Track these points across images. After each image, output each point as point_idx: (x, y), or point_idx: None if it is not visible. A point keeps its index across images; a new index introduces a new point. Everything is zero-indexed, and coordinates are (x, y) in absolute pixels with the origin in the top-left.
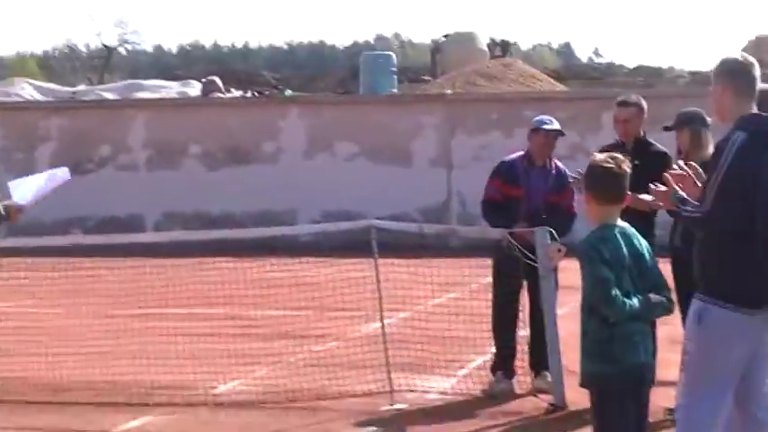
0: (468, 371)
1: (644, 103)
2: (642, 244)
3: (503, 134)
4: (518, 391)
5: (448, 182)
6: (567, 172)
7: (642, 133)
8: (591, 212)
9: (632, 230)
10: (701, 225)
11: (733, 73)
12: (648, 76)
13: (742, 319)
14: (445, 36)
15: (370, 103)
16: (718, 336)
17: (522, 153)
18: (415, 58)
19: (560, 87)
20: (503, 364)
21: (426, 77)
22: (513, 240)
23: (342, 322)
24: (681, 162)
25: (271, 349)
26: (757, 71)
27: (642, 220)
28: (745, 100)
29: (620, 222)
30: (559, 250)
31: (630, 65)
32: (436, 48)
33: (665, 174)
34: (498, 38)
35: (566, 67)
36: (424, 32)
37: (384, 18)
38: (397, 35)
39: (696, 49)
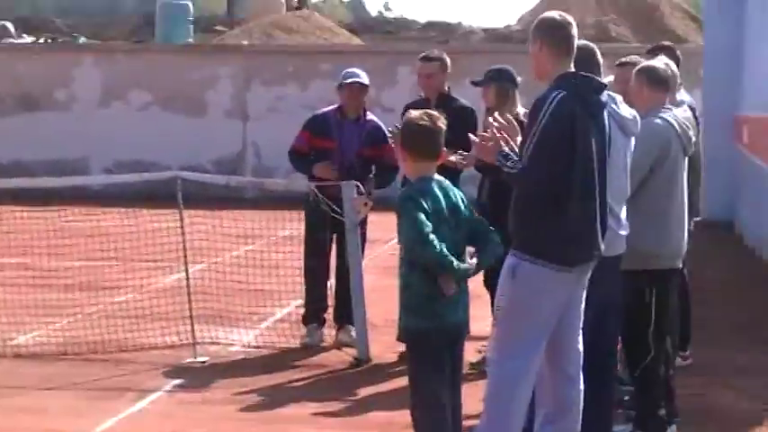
0: (271, 323)
1: (447, 59)
2: (457, 195)
3: (299, 86)
4: (323, 344)
5: (243, 133)
6: (383, 126)
7: (446, 89)
8: (407, 168)
9: (448, 183)
10: (518, 182)
11: (551, 31)
12: (441, 32)
13: (555, 276)
14: None
15: (166, 52)
16: (531, 291)
17: (335, 106)
18: (209, 8)
19: (357, 41)
20: (315, 315)
21: (220, 28)
22: (318, 194)
23: (144, 273)
24: (497, 115)
25: (70, 300)
26: (575, 29)
27: (448, 175)
28: (564, 59)
29: (436, 176)
30: (366, 204)
31: (421, 20)
32: None
33: (489, 128)
34: None
35: (359, 20)
36: None
37: None
38: None
39: (488, 6)
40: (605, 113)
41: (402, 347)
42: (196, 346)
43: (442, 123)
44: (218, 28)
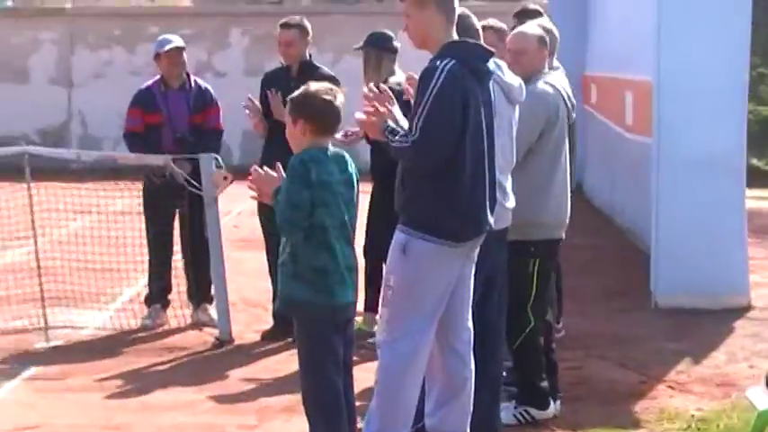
0: (120, 305)
1: (308, 25)
2: (354, 171)
3: (126, 50)
4: (178, 324)
5: (68, 101)
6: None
7: (308, 56)
8: (300, 140)
9: (346, 156)
10: (408, 155)
11: None
12: None
13: (447, 252)
14: None
15: None
16: (424, 268)
17: (157, 77)
18: None
19: (185, 2)
20: (159, 296)
21: None
22: (176, 168)
23: None
24: (371, 86)
25: None
26: None
27: None
28: (451, 27)
29: (332, 147)
30: (226, 177)
31: None
32: None
33: (369, 102)
34: None
35: None
36: None
37: None
38: None
39: None
40: (491, 81)
41: (264, 326)
42: (48, 331)
43: (342, 98)
44: None
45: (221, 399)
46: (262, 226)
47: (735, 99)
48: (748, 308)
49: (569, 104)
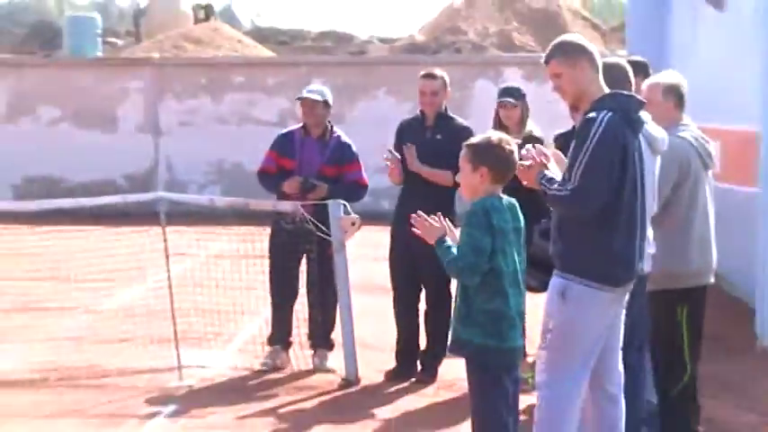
0: (240, 344)
1: (447, 77)
2: (522, 220)
3: (212, 99)
4: (298, 367)
5: (155, 147)
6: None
7: (444, 108)
8: (478, 188)
9: (516, 205)
10: (567, 203)
11: (590, 52)
12: (337, 41)
13: (604, 297)
14: None
15: (76, 66)
16: (582, 312)
17: (301, 125)
18: (115, 21)
19: (267, 52)
20: (281, 337)
21: (113, 40)
22: (305, 213)
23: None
24: (530, 147)
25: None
26: None
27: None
28: (599, 79)
29: (504, 196)
30: (353, 223)
31: (310, 29)
32: (139, 11)
33: (528, 153)
34: (203, 1)
35: (256, 30)
36: None
37: None
38: None
39: (372, 14)
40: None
41: (387, 366)
42: (181, 370)
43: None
44: (110, 40)
45: None
46: (392, 278)
47: None
48: None
49: (704, 154)
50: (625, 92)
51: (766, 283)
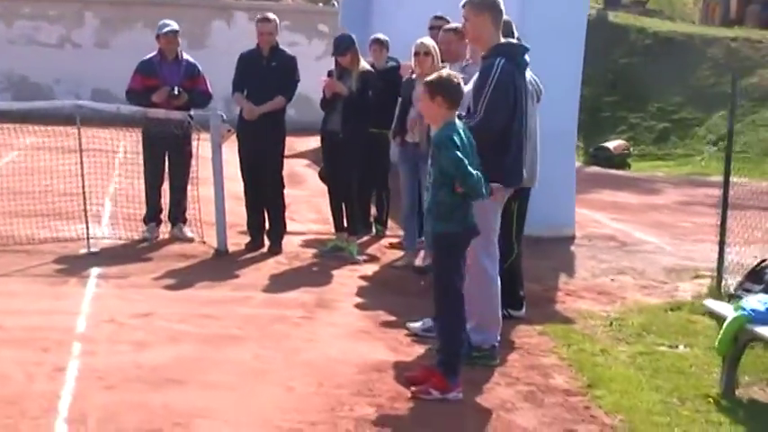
0: (108, 221)
1: (278, 20)
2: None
3: (4, 24)
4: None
5: None
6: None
7: (276, 43)
8: (439, 116)
9: (463, 126)
10: (475, 129)
11: (497, 8)
12: None
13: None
14: None
15: None
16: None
17: (156, 52)
18: None
19: None
20: (153, 216)
21: None
22: (191, 117)
23: None
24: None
25: None
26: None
27: None
28: (498, 30)
29: (456, 120)
30: (229, 130)
31: None
32: None
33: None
34: None
35: None
36: None
37: None
38: None
39: None
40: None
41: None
42: (89, 240)
43: None
44: None
45: (266, 291)
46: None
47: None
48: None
49: (537, 91)
50: (514, 41)
51: None
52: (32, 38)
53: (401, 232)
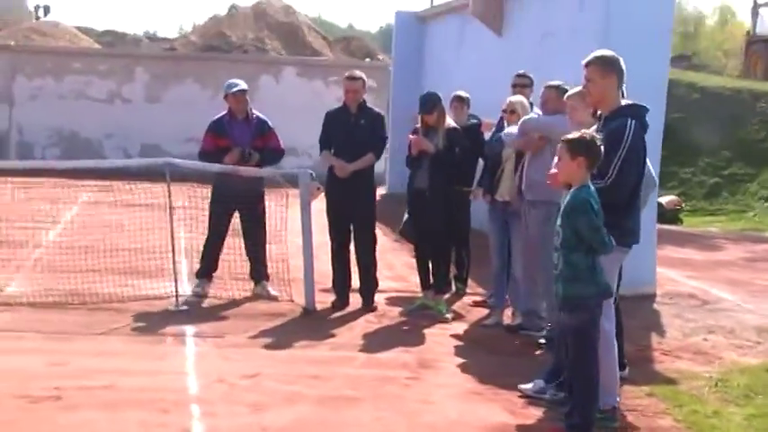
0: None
1: (365, 77)
2: None
3: (54, 79)
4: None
5: (9, 116)
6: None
7: (363, 100)
8: (578, 176)
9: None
10: (605, 192)
11: (620, 69)
12: (116, 39)
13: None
14: None
15: None
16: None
17: (225, 112)
18: None
19: (96, 45)
20: (206, 273)
21: None
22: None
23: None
24: None
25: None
26: None
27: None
28: (620, 90)
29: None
30: (318, 188)
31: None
32: None
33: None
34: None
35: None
36: None
37: None
38: None
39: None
40: None
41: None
42: (178, 297)
43: None
44: None
45: (357, 350)
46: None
47: None
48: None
49: None
50: (639, 103)
51: None
52: (83, 93)
53: (480, 289)
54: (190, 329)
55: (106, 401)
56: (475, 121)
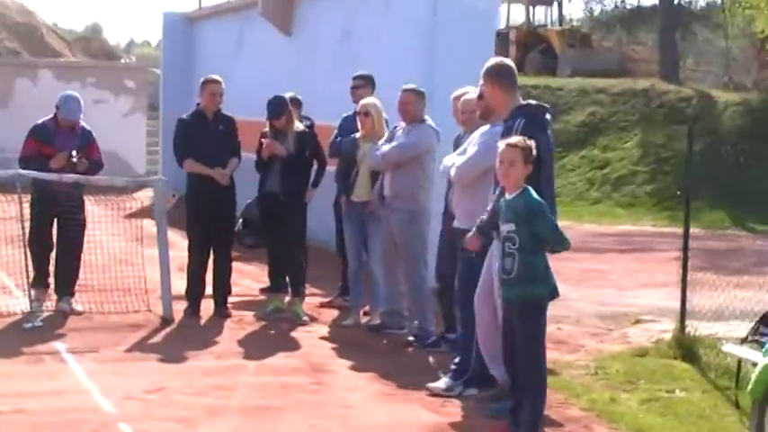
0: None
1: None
2: None
3: None
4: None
5: None
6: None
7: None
8: (519, 179)
9: None
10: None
11: (510, 75)
12: None
13: None
14: None
15: None
16: None
17: (51, 116)
18: None
19: None
20: (43, 282)
21: None
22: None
23: None
24: None
25: None
26: None
27: None
28: (516, 92)
29: None
30: (174, 195)
31: None
32: None
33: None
34: None
35: None
36: None
37: None
38: None
39: None
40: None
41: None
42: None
43: None
44: None
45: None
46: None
47: None
48: None
49: None
50: (533, 102)
51: None
52: None
53: (316, 290)
54: (61, 346)
55: (29, 427)
56: (308, 122)
